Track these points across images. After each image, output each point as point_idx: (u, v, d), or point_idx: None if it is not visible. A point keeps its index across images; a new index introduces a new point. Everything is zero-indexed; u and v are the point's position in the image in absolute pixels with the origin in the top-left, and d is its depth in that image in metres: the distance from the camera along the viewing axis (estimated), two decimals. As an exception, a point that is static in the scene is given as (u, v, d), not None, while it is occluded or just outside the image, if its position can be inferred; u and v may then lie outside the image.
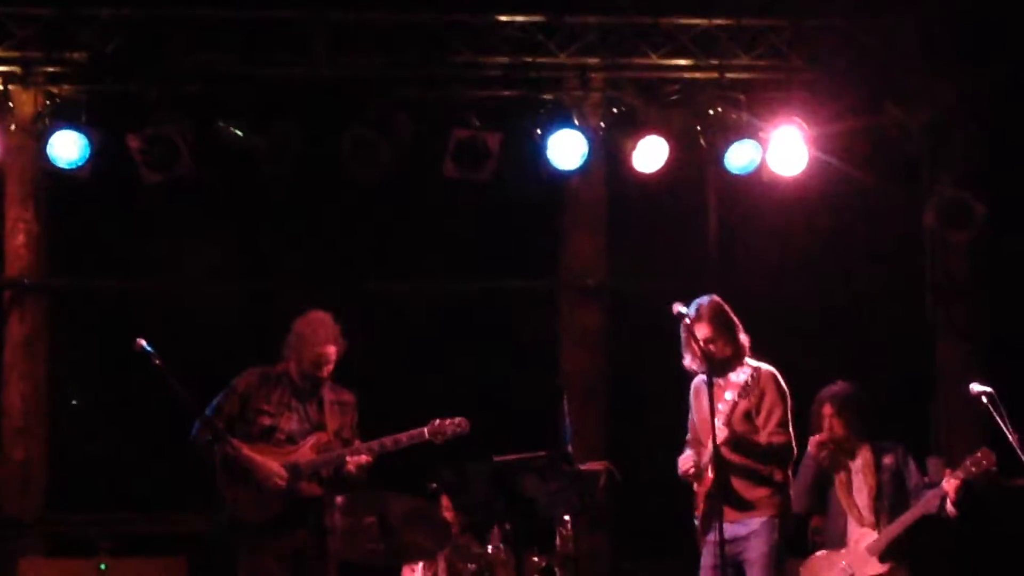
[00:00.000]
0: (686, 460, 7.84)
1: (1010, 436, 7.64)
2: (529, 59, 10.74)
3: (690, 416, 8.06)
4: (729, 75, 10.82)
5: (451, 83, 10.73)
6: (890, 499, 8.62)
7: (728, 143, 10.63)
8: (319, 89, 10.60)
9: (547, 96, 10.85)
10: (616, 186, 11.21)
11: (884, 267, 11.55)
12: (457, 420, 7.94)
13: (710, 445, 7.50)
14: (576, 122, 10.61)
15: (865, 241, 11.44)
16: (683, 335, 7.81)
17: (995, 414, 7.69)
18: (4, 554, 10.30)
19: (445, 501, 9.23)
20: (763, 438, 7.70)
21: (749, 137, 10.59)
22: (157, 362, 7.42)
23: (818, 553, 8.80)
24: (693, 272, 11.20)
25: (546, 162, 10.58)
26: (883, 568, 8.51)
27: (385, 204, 11.27)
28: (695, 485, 7.83)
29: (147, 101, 10.31)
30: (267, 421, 7.86)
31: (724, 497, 7.53)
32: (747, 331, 7.89)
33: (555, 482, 8.27)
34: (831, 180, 10.89)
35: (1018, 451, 7.63)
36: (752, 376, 7.57)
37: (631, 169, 10.65)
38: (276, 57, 10.57)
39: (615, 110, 10.84)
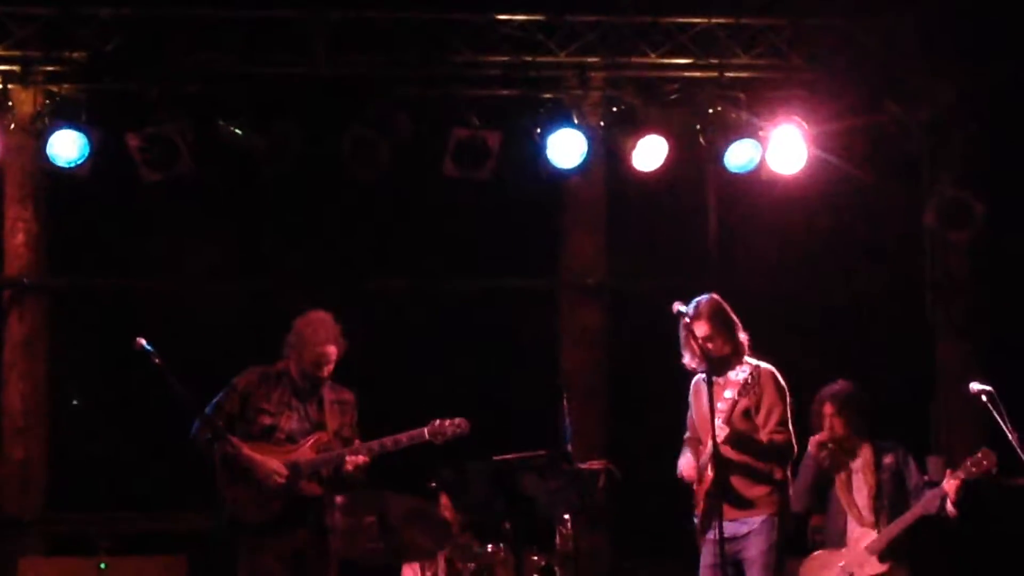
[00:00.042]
0: (688, 467, 7.84)
1: (1010, 435, 7.64)
2: (529, 58, 10.74)
3: (689, 414, 8.06)
4: (729, 74, 10.82)
5: (451, 82, 10.73)
6: (890, 498, 8.62)
7: (728, 142, 10.63)
8: (319, 88, 10.59)
9: (547, 95, 10.85)
10: (616, 185, 11.21)
11: (884, 266, 11.55)
12: (457, 421, 7.94)
13: (710, 444, 7.51)
14: (576, 121, 10.61)
15: (865, 240, 11.45)
16: (682, 334, 7.82)
17: (995, 413, 7.69)
18: (4, 553, 10.30)
19: (444, 500, 9.23)
20: (763, 436, 7.70)
21: (749, 136, 10.59)
22: (157, 361, 7.42)
23: (817, 552, 8.80)
24: (693, 271, 11.21)
25: (546, 161, 10.58)
26: (883, 568, 8.52)
27: (385, 203, 11.27)
28: (694, 484, 7.83)
29: (147, 100, 10.30)
30: (267, 420, 7.86)
31: (724, 495, 7.53)
32: (747, 330, 7.89)
33: (555, 481, 8.29)
34: (831, 179, 10.89)
35: (1018, 450, 7.63)
36: (752, 375, 7.57)
37: (631, 168, 10.64)
38: (276, 56, 10.56)
39: (615, 109, 10.84)
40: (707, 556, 7.71)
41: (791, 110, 10.61)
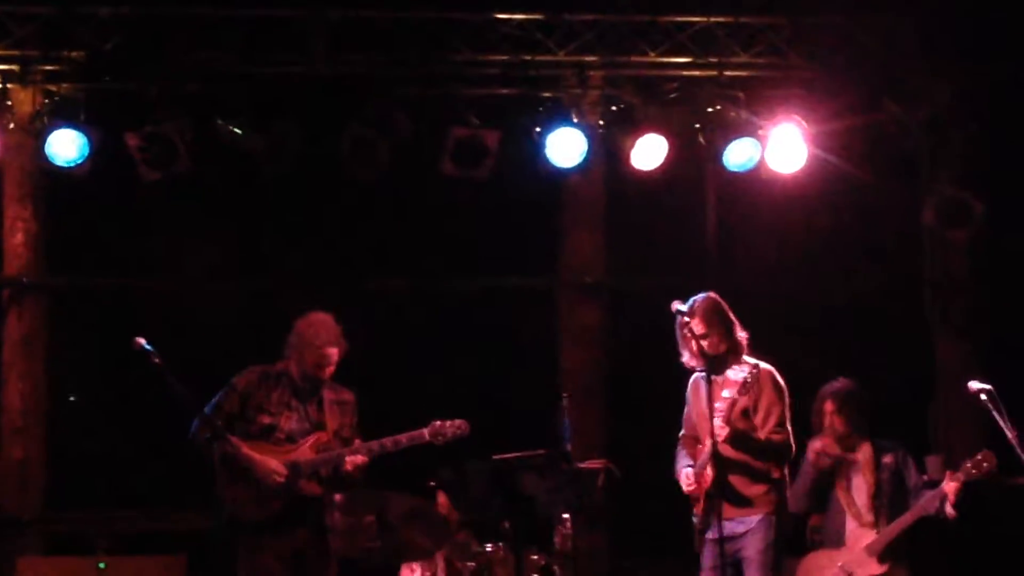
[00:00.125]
0: (687, 480, 7.83)
1: (1009, 434, 7.63)
2: (528, 57, 10.74)
3: (686, 412, 8.06)
4: (728, 73, 10.82)
5: (450, 81, 10.73)
6: (889, 498, 8.61)
7: (727, 141, 10.63)
8: (318, 88, 10.59)
9: (546, 94, 10.84)
10: (615, 184, 11.21)
11: (883, 265, 11.55)
12: (458, 422, 7.93)
13: (709, 443, 7.51)
14: (575, 120, 10.61)
15: (864, 239, 11.45)
16: (680, 332, 7.82)
17: (994, 412, 7.68)
18: (2, 553, 10.30)
19: (442, 498, 9.23)
20: (761, 436, 7.70)
21: (748, 135, 10.59)
22: (156, 361, 7.42)
23: (815, 552, 8.79)
24: (692, 270, 11.20)
25: (545, 160, 10.58)
26: (882, 568, 8.51)
27: (384, 203, 11.27)
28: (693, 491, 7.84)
29: (146, 99, 10.30)
30: (267, 420, 7.86)
31: (723, 494, 7.53)
32: (746, 329, 7.89)
33: (554, 480, 8.28)
34: (830, 178, 10.89)
35: (1017, 449, 7.62)
36: (751, 374, 7.57)
37: (630, 167, 10.65)
38: (275, 56, 10.56)
39: (614, 108, 10.84)
40: (708, 557, 7.71)
41: (790, 109, 10.61)
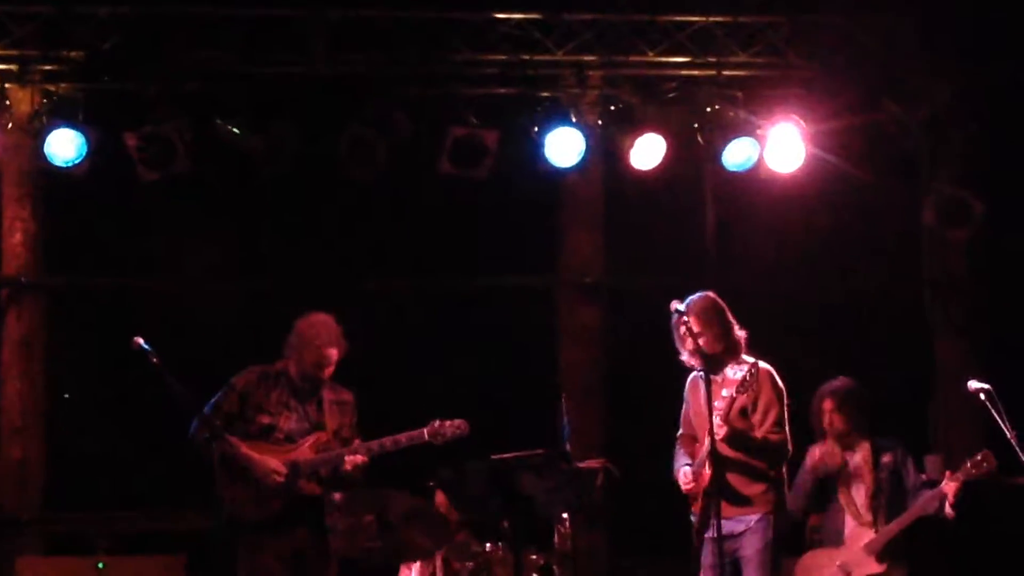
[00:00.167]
0: (685, 479, 7.83)
1: (1008, 433, 7.63)
2: (526, 57, 10.74)
3: (684, 411, 8.06)
4: (726, 72, 10.83)
5: (449, 81, 10.72)
6: (888, 497, 8.62)
7: (726, 140, 10.64)
8: (317, 88, 10.59)
9: (544, 94, 10.84)
10: (614, 184, 11.21)
11: (882, 265, 11.55)
12: (457, 422, 7.93)
13: (707, 441, 7.51)
14: (573, 120, 10.61)
15: (863, 239, 11.44)
16: (678, 331, 7.82)
17: (993, 411, 7.68)
18: (2, 553, 10.29)
19: (440, 498, 9.22)
20: (759, 435, 7.70)
21: (746, 134, 10.60)
22: (155, 361, 7.41)
23: (814, 551, 8.79)
24: (691, 270, 11.19)
25: (544, 160, 10.58)
26: (880, 568, 8.51)
27: (383, 203, 11.27)
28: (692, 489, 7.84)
29: (145, 99, 10.30)
30: (266, 420, 7.85)
31: (721, 493, 7.53)
32: (745, 329, 7.89)
33: (553, 480, 8.26)
34: (829, 178, 10.89)
35: (1016, 449, 7.62)
36: (750, 372, 7.57)
37: (629, 167, 10.65)
38: (274, 56, 10.55)
39: (612, 108, 10.84)
40: (707, 556, 7.71)
41: (789, 109, 10.61)
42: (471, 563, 9.04)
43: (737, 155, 10.64)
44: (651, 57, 10.82)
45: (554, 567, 8.94)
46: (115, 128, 10.21)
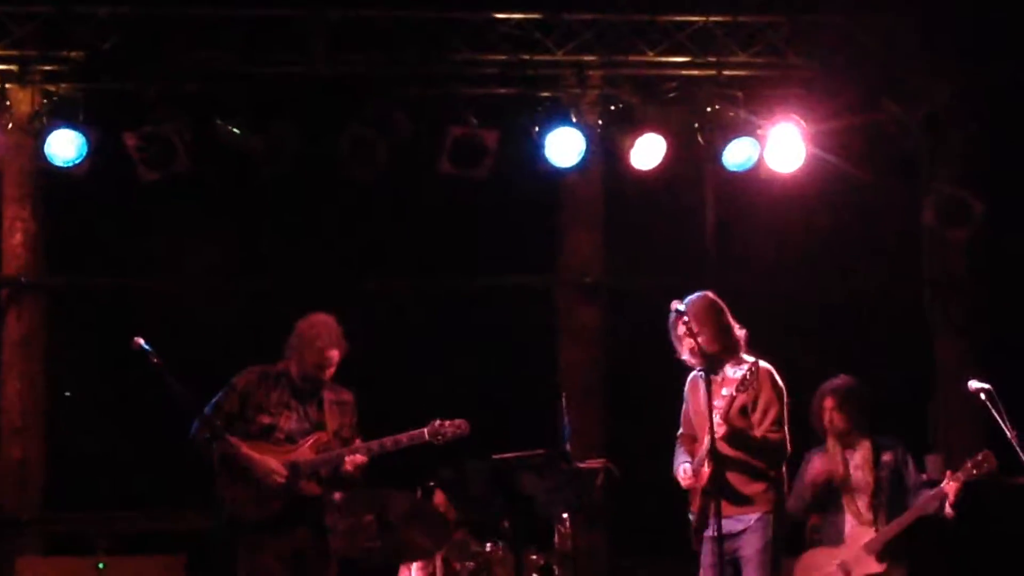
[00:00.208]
0: (684, 474, 7.83)
1: (1008, 433, 7.63)
2: (526, 57, 10.74)
3: (684, 410, 8.05)
4: (726, 72, 10.83)
5: (449, 81, 10.73)
6: (889, 497, 8.61)
7: (726, 140, 10.64)
8: (317, 87, 10.59)
9: (544, 94, 10.85)
10: (614, 184, 11.21)
11: (882, 264, 11.55)
12: (457, 422, 7.93)
13: (706, 440, 7.51)
14: (573, 120, 10.61)
15: (863, 239, 11.45)
16: (673, 331, 7.82)
17: (993, 411, 7.68)
18: (2, 553, 10.29)
19: (439, 498, 9.22)
20: (758, 434, 7.69)
21: (747, 134, 10.60)
22: (155, 360, 7.41)
23: (814, 549, 8.78)
24: (690, 269, 11.20)
25: (544, 160, 10.58)
26: (880, 567, 8.51)
27: (383, 203, 11.27)
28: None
29: (144, 99, 10.30)
30: (266, 420, 7.85)
31: (720, 492, 7.53)
32: (745, 328, 7.88)
33: (553, 480, 8.27)
34: (829, 177, 10.89)
35: (1017, 449, 7.62)
36: (750, 371, 7.57)
37: (629, 166, 10.65)
38: (274, 56, 10.56)
39: (612, 108, 10.85)
40: (707, 556, 7.71)
41: (789, 108, 10.61)
42: (471, 563, 9.04)
43: (737, 155, 10.64)
44: (651, 57, 10.82)
45: (554, 567, 8.94)
46: (115, 128, 10.21)
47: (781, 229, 11.31)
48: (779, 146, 10.57)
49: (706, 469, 7.58)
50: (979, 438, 8.77)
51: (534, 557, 8.96)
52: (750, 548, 7.64)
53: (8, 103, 10.46)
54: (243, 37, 10.48)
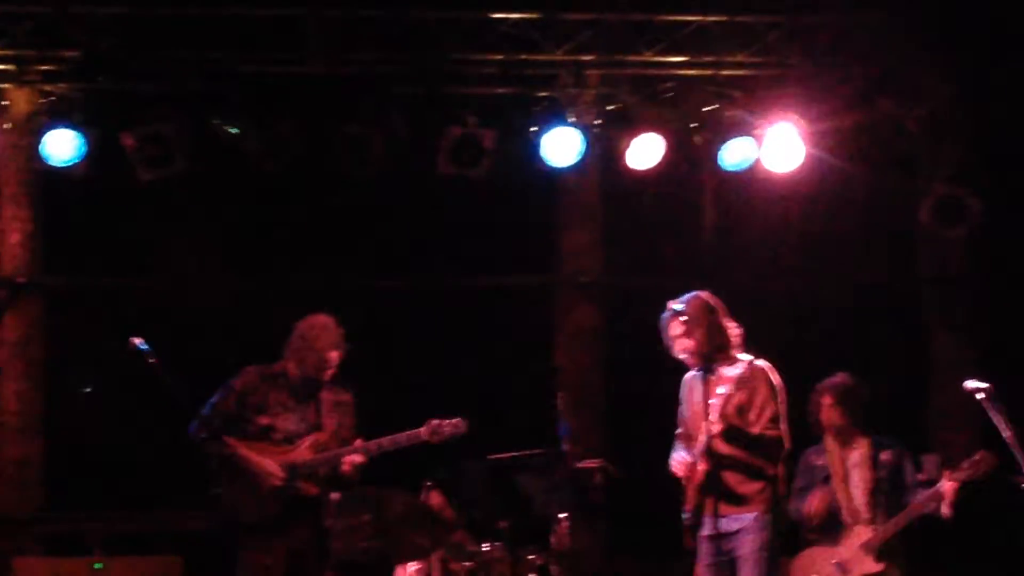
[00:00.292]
0: (679, 464, 7.83)
1: (1006, 433, 7.61)
2: (524, 56, 10.75)
3: (680, 410, 8.05)
4: (724, 72, 10.84)
5: (447, 81, 10.73)
6: (887, 496, 8.60)
7: (723, 140, 10.65)
8: (315, 86, 10.58)
9: (542, 93, 10.86)
10: (611, 183, 11.21)
11: (879, 263, 11.55)
12: (455, 421, 7.92)
13: (702, 438, 7.51)
14: (571, 119, 10.61)
15: (861, 237, 11.45)
16: (667, 331, 7.82)
17: (991, 411, 7.67)
18: (-1, 553, 10.31)
19: (436, 498, 9.22)
20: (755, 431, 7.69)
21: (744, 134, 10.60)
22: (152, 361, 7.42)
23: (811, 549, 8.78)
24: (688, 269, 11.20)
25: (542, 159, 10.58)
26: (878, 567, 8.50)
27: (380, 202, 11.27)
28: (684, 481, 7.82)
29: (142, 99, 10.30)
30: (264, 420, 7.85)
31: (716, 491, 7.52)
32: (742, 327, 7.88)
33: (551, 480, 8.29)
34: (827, 177, 10.89)
35: (1014, 448, 7.60)
36: (746, 370, 7.57)
37: (626, 166, 10.65)
38: (272, 55, 10.55)
39: (610, 107, 10.86)
40: (703, 555, 7.70)
41: (787, 108, 10.61)
42: (469, 563, 9.03)
43: (735, 155, 10.65)
44: (649, 57, 10.82)
45: (552, 567, 8.93)
46: (113, 128, 10.20)
47: (778, 229, 11.32)
48: (777, 146, 10.57)
49: (701, 468, 7.58)
50: (976, 437, 8.77)
51: (531, 557, 8.95)
52: (746, 548, 7.63)
53: (6, 103, 10.49)
54: (241, 37, 10.48)
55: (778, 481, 7.80)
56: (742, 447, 7.64)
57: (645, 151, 10.58)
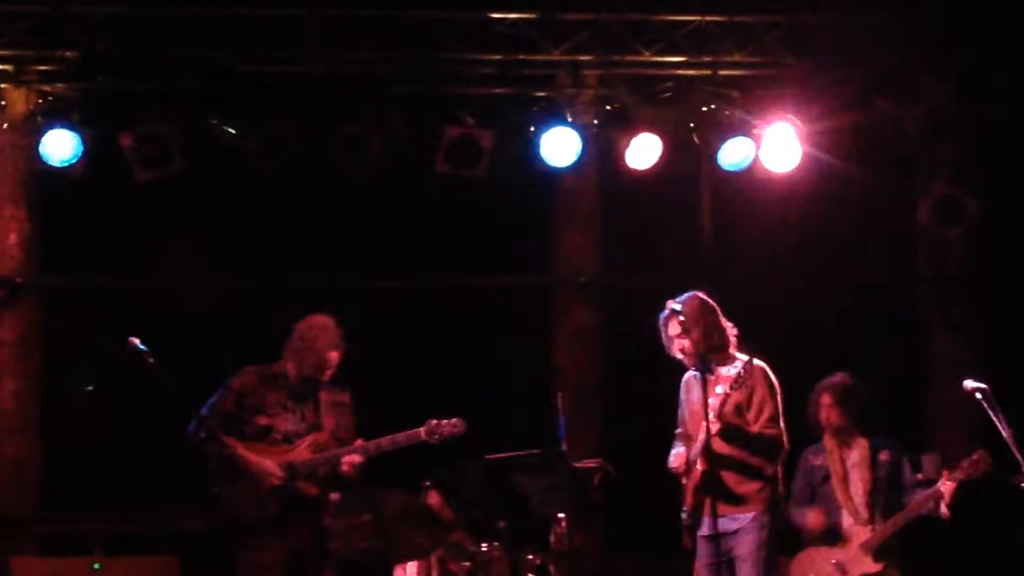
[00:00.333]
0: (676, 459, 7.84)
1: (1004, 432, 7.62)
2: (522, 56, 10.73)
3: (679, 410, 8.06)
4: (722, 72, 10.83)
5: (445, 80, 10.73)
6: (886, 495, 8.61)
7: (721, 140, 10.64)
8: (314, 86, 10.58)
9: (540, 93, 10.85)
10: (609, 183, 11.21)
11: (878, 263, 11.55)
12: (454, 421, 7.92)
13: (700, 438, 7.51)
14: (569, 119, 10.61)
15: (859, 237, 11.45)
16: (663, 331, 7.83)
17: (989, 411, 7.68)
18: (-3, 553, 10.29)
19: (434, 497, 9.21)
20: (754, 430, 7.69)
21: (742, 134, 10.60)
22: (150, 361, 7.41)
23: (810, 549, 8.78)
24: (687, 269, 11.20)
25: (540, 160, 10.58)
26: (877, 567, 8.50)
27: (378, 202, 11.27)
28: (683, 479, 7.82)
29: (140, 99, 10.29)
30: (263, 421, 7.85)
31: (714, 490, 7.52)
32: (740, 327, 7.88)
33: (549, 479, 8.30)
34: (825, 177, 10.89)
35: (1013, 448, 7.61)
36: (744, 369, 7.58)
37: (624, 166, 10.65)
38: (271, 54, 10.55)
39: (608, 107, 10.85)
40: (702, 555, 7.71)
41: (785, 108, 10.61)
42: (467, 563, 9.03)
43: (733, 155, 10.64)
44: (647, 57, 10.81)
45: (550, 567, 8.93)
46: (111, 128, 10.19)
47: (777, 228, 11.31)
48: (775, 146, 10.57)
49: (699, 467, 7.59)
50: (975, 438, 8.76)
51: (530, 557, 8.96)
52: (745, 548, 7.64)
53: (3, 103, 10.47)
54: (239, 36, 10.47)
55: (777, 481, 7.81)
56: (741, 446, 7.65)
57: (643, 151, 10.57)
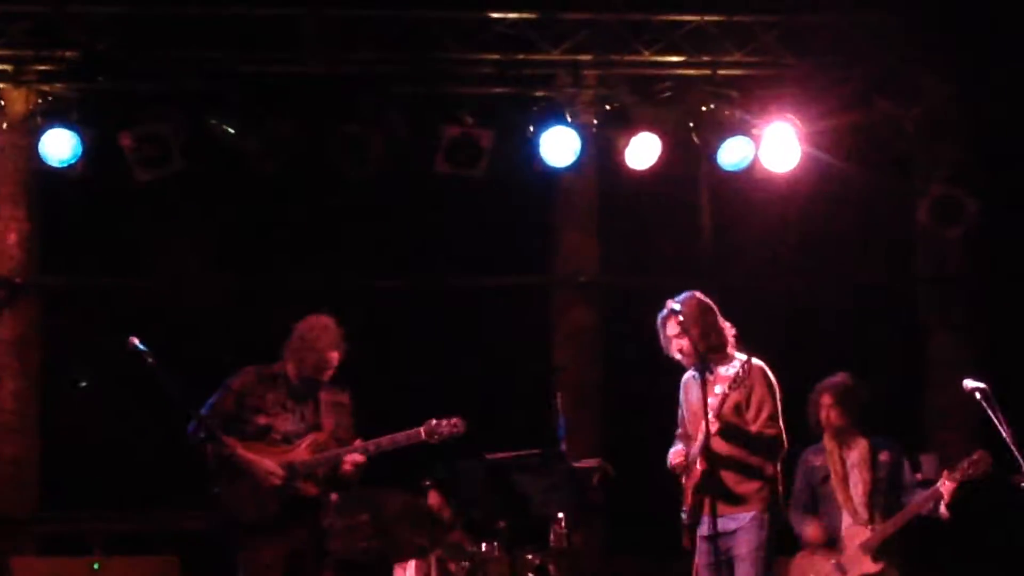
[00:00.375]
0: (676, 454, 7.85)
1: (1004, 432, 7.62)
2: (521, 56, 10.74)
3: (679, 410, 8.06)
4: (721, 72, 10.83)
5: (444, 80, 10.73)
6: (885, 496, 8.60)
7: (721, 140, 10.65)
8: (314, 86, 10.58)
9: (539, 93, 10.86)
10: (609, 183, 11.21)
11: (877, 263, 11.56)
12: (453, 420, 7.91)
13: (699, 437, 7.51)
14: (568, 119, 10.61)
15: (858, 237, 11.45)
16: (661, 331, 7.83)
17: (989, 411, 7.68)
18: (-3, 553, 10.30)
19: (433, 497, 9.22)
20: (753, 430, 7.69)
21: (742, 134, 10.61)
22: (150, 360, 7.40)
23: (808, 549, 8.77)
24: (686, 269, 11.21)
25: (539, 159, 10.58)
26: (876, 567, 8.49)
27: (378, 202, 11.27)
28: (683, 479, 7.82)
29: (139, 99, 10.29)
30: (263, 420, 7.84)
31: (713, 490, 7.52)
32: (740, 327, 7.88)
33: (549, 479, 8.30)
34: (824, 177, 10.89)
35: (1012, 448, 7.61)
36: (743, 369, 7.57)
37: (624, 166, 10.65)
38: (271, 54, 10.55)
39: (607, 107, 10.85)
40: (701, 555, 7.71)
41: (784, 108, 10.61)
42: (466, 563, 9.03)
43: (732, 154, 10.65)
44: (646, 56, 10.82)
45: (550, 566, 8.94)
46: (110, 128, 10.20)
47: (776, 228, 11.32)
48: (774, 145, 10.58)
49: (698, 467, 7.59)
50: (974, 438, 8.76)
51: (529, 557, 8.95)
52: (744, 547, 7.64)
53: (3, 103, 10.47)
54: (239, 36, 10.47)
55: (776, 480, 7.81)
56: (740, 445, 7.65)
57: (643, 151, 10.58)
